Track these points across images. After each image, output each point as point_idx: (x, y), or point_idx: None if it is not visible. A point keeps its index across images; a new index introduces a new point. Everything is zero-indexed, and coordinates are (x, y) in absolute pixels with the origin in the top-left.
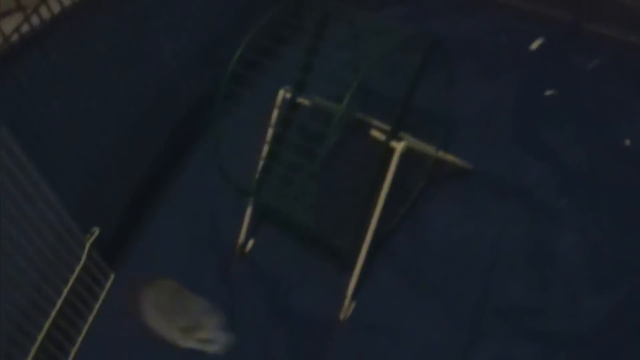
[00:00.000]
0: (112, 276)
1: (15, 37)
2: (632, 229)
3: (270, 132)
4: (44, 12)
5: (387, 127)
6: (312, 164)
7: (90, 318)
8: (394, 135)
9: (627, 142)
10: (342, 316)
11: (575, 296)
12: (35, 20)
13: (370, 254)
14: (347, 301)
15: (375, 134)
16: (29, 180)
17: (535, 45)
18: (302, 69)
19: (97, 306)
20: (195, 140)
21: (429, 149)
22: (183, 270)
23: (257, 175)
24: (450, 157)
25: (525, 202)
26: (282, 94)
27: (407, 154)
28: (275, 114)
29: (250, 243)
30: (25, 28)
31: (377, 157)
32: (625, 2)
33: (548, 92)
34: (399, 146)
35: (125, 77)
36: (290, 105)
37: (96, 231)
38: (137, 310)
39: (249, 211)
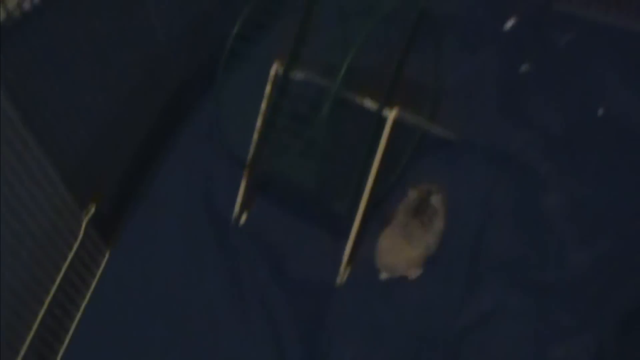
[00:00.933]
0: (107, 254)
1: (17, 12)
2: (608, 187)
3: (264, 103)
4: None
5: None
6: (314, 129)
7: (88, 295)
8: (385, 104)
9: (600, 111)
10: (338, 280)
11: (563, 248)
12: None
13: (364, 220)
14: (342, 266)
15: (369, 103)
16: (29, 153)
17: (509, 24)
18: (295, 42)
19: (94, 283)
20: (188, 114)
21: (418, 118)
22: (181, 243)
23: (253, 145)
24: (437, 127)
25: (510, 167)
26: (276, 68)
27: (397, 123)
28: (269, 86)
29: (245, 215)
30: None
31: (370, 126)
32: None
33: (524, 68)
34: (391, 114)
35: (119, 50)
36: (284, 78)
37: (92, 208)
38: None
39: (243, 184)
